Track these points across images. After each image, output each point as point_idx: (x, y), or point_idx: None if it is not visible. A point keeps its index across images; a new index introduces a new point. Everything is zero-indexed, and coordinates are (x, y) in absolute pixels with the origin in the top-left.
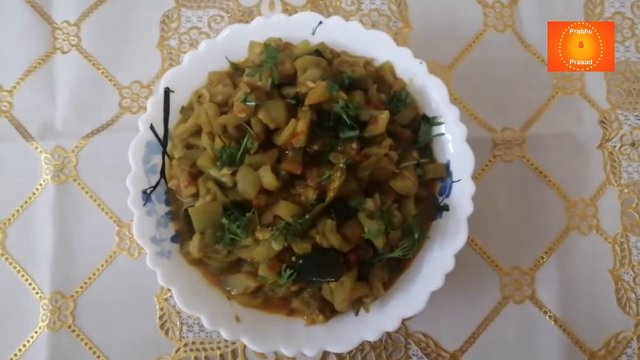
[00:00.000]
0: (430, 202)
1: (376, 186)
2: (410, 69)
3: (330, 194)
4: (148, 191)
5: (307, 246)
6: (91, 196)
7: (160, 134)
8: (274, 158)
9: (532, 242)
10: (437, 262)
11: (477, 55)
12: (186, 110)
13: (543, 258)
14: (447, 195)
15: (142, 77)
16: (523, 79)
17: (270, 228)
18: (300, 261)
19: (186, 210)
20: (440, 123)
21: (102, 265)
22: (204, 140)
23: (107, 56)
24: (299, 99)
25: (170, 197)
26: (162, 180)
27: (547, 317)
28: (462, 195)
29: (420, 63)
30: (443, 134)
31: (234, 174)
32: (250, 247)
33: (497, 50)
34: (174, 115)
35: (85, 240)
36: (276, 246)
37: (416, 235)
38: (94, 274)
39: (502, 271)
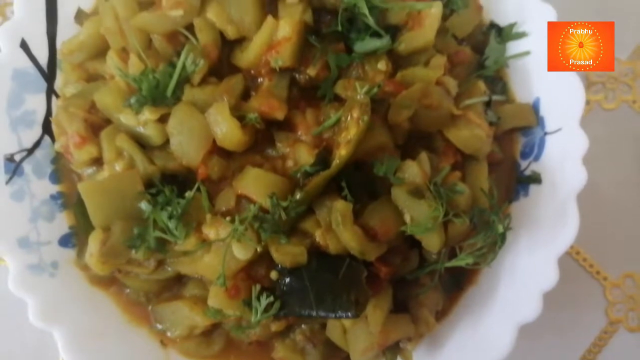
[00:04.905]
0: (508, 170)
1: (422, 139)
2: None
3: (342, 153)
4: (16, 157)
5: (299, 251)
6: None
7: (42, 58)
8: (236, 91)
9: None
10: (525, 272)
11: None
12: (86, 17)
13: None
14: (537, 158)
15: None
16: None
17: (229, 218)
18: (287, 279)
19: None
20: (522, 35)
21: None
22: (111, 62)
23: None
24: None
25: (61, 169)
26: (47, 139)
27: None
28: (563, 156)
29: None
30: (528, 52)
31: (163, 120)
32: (195, 255)
33: None
34: (68, 28)
35: None
36: (242, 253)
37: (500, 228)
38: None
39: (607, 281)
